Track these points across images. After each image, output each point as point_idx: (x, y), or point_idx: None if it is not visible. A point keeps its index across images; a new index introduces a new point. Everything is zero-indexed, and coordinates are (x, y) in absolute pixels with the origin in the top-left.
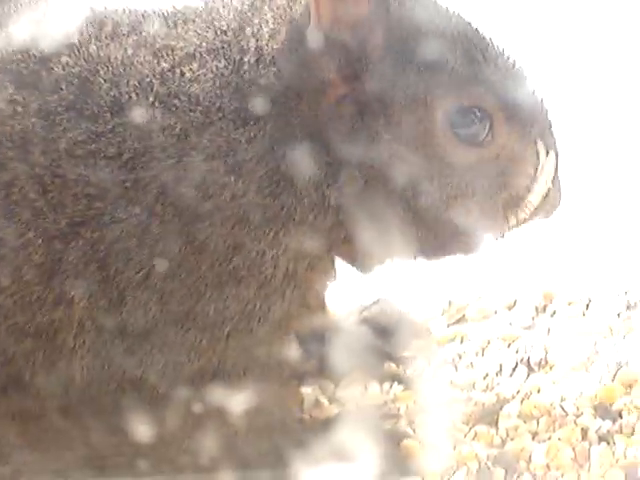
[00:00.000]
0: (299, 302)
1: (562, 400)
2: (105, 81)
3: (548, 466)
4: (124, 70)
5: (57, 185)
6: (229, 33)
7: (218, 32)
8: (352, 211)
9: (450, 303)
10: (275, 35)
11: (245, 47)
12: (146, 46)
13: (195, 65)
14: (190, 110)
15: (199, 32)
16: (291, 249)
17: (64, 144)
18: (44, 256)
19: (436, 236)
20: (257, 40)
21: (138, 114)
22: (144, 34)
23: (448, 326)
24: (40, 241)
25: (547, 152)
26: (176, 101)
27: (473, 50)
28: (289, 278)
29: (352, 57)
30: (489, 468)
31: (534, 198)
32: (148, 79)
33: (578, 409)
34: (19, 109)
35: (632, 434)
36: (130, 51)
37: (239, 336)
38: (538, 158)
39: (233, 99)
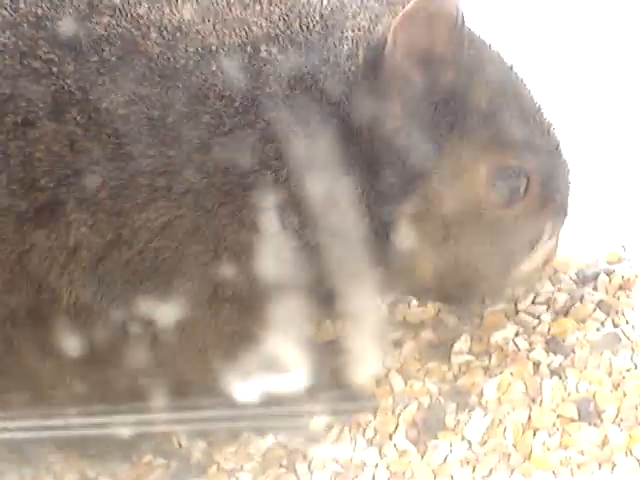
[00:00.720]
0: None
1: (515, 335)
2: (157, 45)
3: (500, 400)
4: (181, 36)
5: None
6: (314, 34)
7: (304, 28)
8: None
9: None
10: (352, 57)
11: (325, 57)
12: (213, 15)
13: (274, 49)
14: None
15: (285, 18)
16: None
17: (105, 104)
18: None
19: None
20: (335, 56)
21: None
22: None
23: None
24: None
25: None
26: (240, 76)
27: (527, 112)
28: None
29: (417, 93)
30: (440, 403)
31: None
32: (212, 48)
33: (531, 345)
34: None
35: (584, 369)
36: (189, 18)
37: None
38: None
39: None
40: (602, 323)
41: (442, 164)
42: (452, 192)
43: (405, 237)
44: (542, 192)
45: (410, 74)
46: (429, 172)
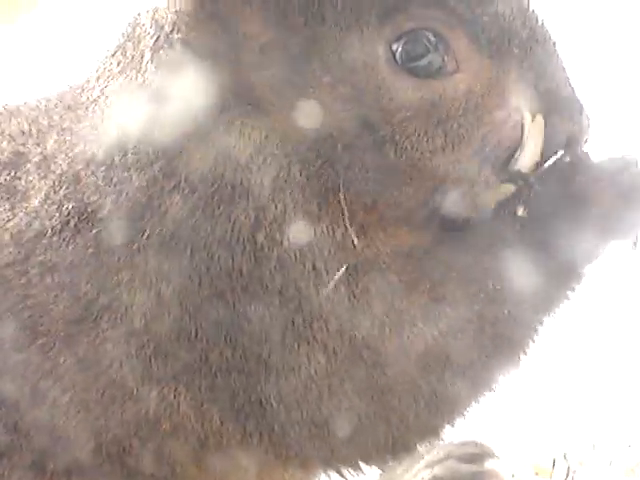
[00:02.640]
0: None
1: None
2: None
3: None
4: None
5: None
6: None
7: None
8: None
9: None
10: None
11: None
12: None
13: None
14: None
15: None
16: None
17: None
18: None
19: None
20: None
21: None
22: None
23: None
24: None
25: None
26: None
27: None
28: None
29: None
30: None
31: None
32: None
33: None
34: None
35: None
36: None
37: None
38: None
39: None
40: None
41: (330, 61)
42: (358, 85)
43: None
44: (483, 43)
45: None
46: (318, 80)
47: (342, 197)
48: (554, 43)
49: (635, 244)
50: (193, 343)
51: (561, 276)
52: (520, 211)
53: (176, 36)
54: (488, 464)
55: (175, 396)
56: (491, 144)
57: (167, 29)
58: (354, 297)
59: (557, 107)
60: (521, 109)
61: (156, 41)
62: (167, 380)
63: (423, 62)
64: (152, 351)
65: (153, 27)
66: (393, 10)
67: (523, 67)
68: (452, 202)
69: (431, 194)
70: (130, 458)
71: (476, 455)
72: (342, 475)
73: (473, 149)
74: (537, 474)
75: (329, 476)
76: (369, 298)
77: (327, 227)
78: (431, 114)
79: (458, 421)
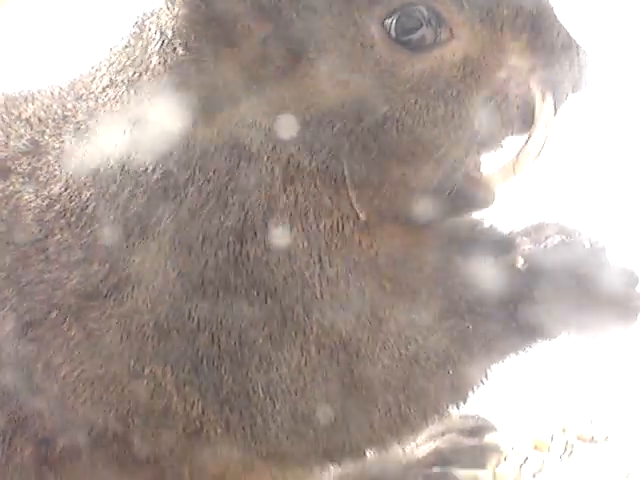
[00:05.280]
0: None
1: None
2: None
3: None
4: None
5: None
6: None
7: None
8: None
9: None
10: (174, 12)
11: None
12: None
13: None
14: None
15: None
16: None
17: None
18: None
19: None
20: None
21: None
22: None
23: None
24: None
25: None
26: None
27: None
28: None
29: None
30: None
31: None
32: None
33: None
34: None
35: None
36: None
37: None
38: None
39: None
40: None
41: (328, 49)
42: (357, 69)
43: None
44: (474, 13)
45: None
46: (316, 69)
47: (350, 189)
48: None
49: None
50: (185, 324)
51: (529, 336)
52: (520, 263)
53: (178, 41)
54: (488, 437)
55: (163, 375)
56: (497, 104)
57: (169, 34)
58: (351, 294)
59: (557, 58)
60: (522, 68)
61: (161, 46)
62: (158, 359)
63: (417, 34)
64: (151, 330)
65: (157, 32)
66: None
67: (516, 26)
68: (456, 181)
69: (435, 172)
70: (134, 438)
71: (477, 428)
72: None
73: (476, 113)
74: (536, 447)
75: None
76: (363, 297)
77: (337, 220)
78: (430, 85)
79: (436, 418)
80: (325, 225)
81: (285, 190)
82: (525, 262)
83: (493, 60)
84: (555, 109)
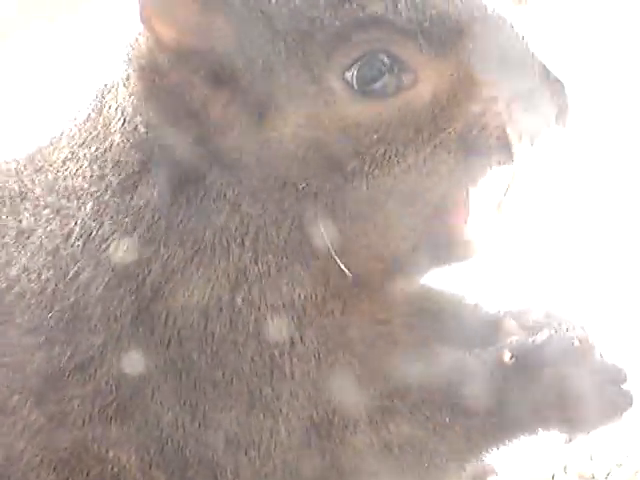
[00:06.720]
0: None
1: None
2: None
3: None
4: None
5: None
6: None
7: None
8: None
9: None
10: (131, 89)
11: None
12: None
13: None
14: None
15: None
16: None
17: None
18: None
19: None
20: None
21: None
22: None
23: None
24: None
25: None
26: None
27: None
28: None
29: (214, 61)
30: None
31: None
32: None
33: None
34: None
35: None
36: None
37: None
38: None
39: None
40: None
41: (291, 105)
42: (324, 122)
43: None
44: (435, 46)
45: (192, 53)
46: (281, 128)
47: (321, 257)
48: (511, 24)
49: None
50: (149, 405)
51: (510, 432)
52: (507, 357)
53: (139, 119)
54: None
55: (127, 458)
56: (473, 137)
57: (129, 111)
58: (322, 372)
59: (534, 89)
60: (497, 98)
61: (123, 124)
62: (121, 442)
63: (380, 83)
64: (113, 411)
65: (118, 110)
66: (336, 42)
67: (484, 56)
68: (436, 229)
69: (413, 228)
70: None
71: (477, 474)
72: None
73: (453, 153)
74: None
75: None
76: (334, 376)
77: (310, 289)
78: (398, 133)
79: None
80: (299, 295)
81: (256, 262)
82: (512, 357)
83: (464, 94)
84: (532, 142)
